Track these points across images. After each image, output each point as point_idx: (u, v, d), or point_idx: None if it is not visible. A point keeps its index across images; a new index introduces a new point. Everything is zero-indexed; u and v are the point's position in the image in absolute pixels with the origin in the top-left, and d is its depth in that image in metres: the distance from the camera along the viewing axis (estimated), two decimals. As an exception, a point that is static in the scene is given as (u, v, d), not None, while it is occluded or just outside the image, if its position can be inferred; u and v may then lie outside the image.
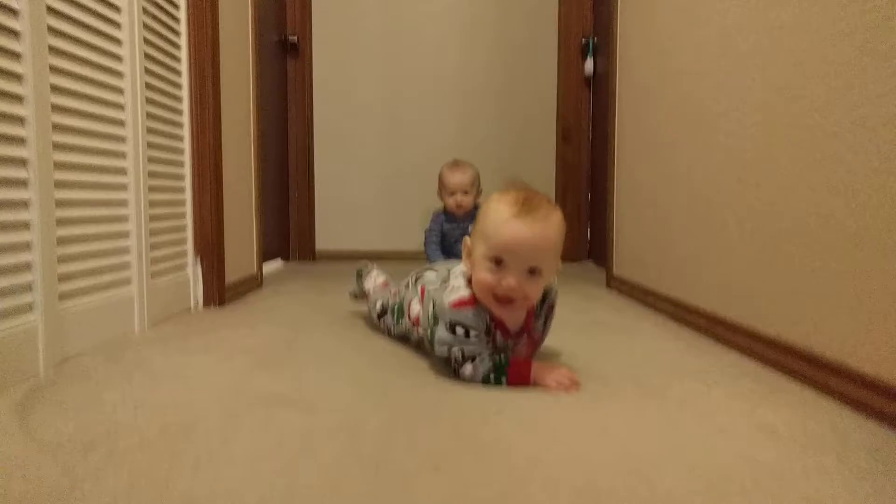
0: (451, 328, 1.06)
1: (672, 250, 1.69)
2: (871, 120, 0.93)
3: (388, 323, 1.42)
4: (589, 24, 2.95)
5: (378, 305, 1.46)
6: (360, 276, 1.66)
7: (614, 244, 2.22)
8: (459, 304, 1.06)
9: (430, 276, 1.26)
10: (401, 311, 1.35)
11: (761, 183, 1.23)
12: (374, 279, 1.61)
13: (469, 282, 1.08)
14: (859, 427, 0.86)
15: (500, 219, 1.01)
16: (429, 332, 1.14)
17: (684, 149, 1.61)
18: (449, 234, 2.45)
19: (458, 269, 1.12)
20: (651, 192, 1.86)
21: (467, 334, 1.05)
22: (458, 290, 1.08)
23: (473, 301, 1.06)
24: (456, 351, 1.05)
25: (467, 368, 1.05)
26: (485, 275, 1.03)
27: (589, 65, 2.90)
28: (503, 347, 1.09)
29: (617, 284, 2.17)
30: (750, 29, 1.28)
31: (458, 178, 2.38)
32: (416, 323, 1.27)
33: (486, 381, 1.04)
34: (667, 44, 1.73)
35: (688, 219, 1.58)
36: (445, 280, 1.15)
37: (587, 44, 2.89)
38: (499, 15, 3.05)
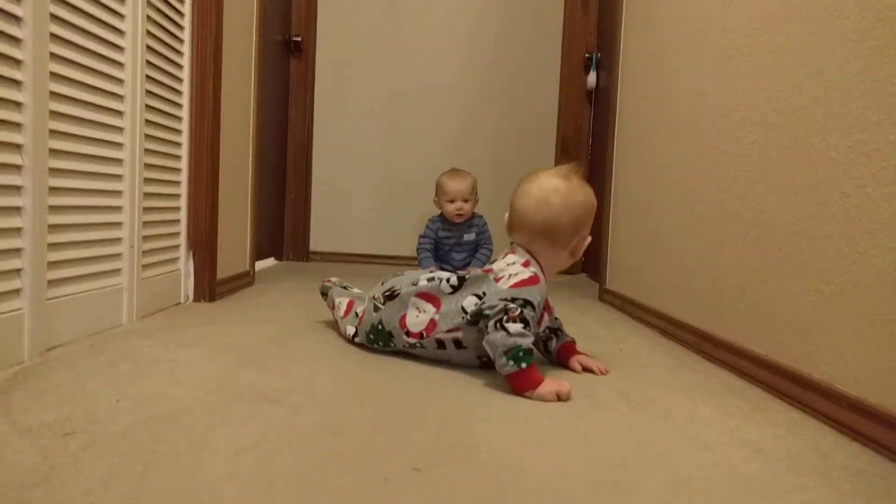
0: (507, 303, 1.09)
1: (665, 265, 1.70)
2: (867, 145, 0.94)
3: (372, 346, 1.30)
4: (593, 40, 2.96)
5: (348, 332, 1.36)
6: (325, 295, 1.53)
7: (608, 257, 2.23)
8: (520, 283, 1.13)
9: (426, 283, 1.22)
10: (382, 333, 1.25)
11: (757, 202, 1.23)
12: (339, 305, 1.44)
13: (525, 265, 1.16)
14: (843, 448, 0.86)
15: (592, 203, 1.21)
16: (478, 309, 1.14)
17: (682, 165, 1.61)
18: (444, 241, 2.45)
19: (503, 263, 1.18)
20: (647, 206, 1.87)
21: (525, 307, 1.09)
22: (518, 275, 1.15)
23: (537, 280, 1.15)
24: (514, 308, 1.08)
25: (517, 327, 1.06)
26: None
27: (591, 79, 2.91)
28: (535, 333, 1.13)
29: (609, 298, 2.17)
30: (751, 51, 1.29)
31: (458, 185, 2.38)
32: (426, 334, 1.20)
33: (514, 353, 1.03)
34: (668, 62, 1.74)
35: (682, 235, 1.59)
36: (477, 279, 1.18)
37: (590, 58, 2.90)
38: (503, 25, 3.06)
